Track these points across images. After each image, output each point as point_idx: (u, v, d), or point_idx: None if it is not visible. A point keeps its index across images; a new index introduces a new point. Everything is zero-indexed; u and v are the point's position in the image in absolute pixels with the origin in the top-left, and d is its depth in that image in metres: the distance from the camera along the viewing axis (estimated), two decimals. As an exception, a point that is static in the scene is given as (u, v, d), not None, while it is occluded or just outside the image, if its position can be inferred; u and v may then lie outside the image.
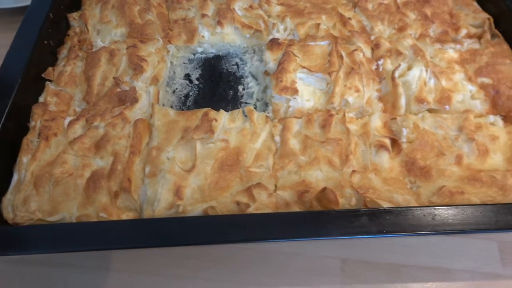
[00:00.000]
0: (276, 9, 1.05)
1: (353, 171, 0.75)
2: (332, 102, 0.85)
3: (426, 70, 0.88)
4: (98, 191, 0.74)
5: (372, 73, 0.90)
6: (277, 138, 0.81)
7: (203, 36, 1.01)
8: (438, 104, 0.85)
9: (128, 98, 0.86)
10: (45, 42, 0.95)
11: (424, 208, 0.65)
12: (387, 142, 0.79)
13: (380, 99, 0.88)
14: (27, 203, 0.72)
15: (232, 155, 0.78)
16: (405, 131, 0.81)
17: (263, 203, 0.71)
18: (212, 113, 0.83)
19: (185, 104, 0.95)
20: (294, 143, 0.80)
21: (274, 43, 0.95)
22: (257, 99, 0.94)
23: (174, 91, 0.97)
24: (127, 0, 1.04)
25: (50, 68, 0.93)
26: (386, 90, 0.88)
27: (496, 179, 0.74)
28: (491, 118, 0.84)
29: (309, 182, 0.74)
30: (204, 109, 0.84)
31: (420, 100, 0.84)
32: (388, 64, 0.91)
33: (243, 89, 0.97)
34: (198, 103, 0.94)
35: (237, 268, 0.77)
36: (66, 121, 0.84)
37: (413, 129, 0.80)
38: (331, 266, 0.76)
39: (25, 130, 0.83)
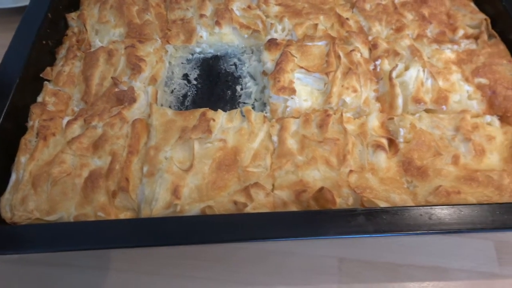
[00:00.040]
0: (274, 9, 1.05)
1: (350, 171, 0.75)
2: (329, 102, 0.85)
3: (423, 71, 0.88)
4: (96, 190, 0.74)
5: (369, 73, 0.90)
6: (275, 138, 0.81)
7: (201, 36, 1.02)
8: (435, 104, 0.85)
9: (126, 98, 0.87)
10: (44, 42, 0.96)
11: (421, 207, 0.65)
12: (384, 142, 0.80)
13: (378, 99, 0.88)
14: (25, 203, 0.73)
15: (230, 154, 0.78)
16: (402, 131, 0.81)
17: (260, 202, 0.72)
18: (210, 113, 0.83)
19: (183, 104, 0.95)
20: (291, 143, 0.80)
21: (272, 43, 0.95)
22: (255, 99, 0.95)
23: (172, 91, 0.97)
24: (125, 0, 1.04)
25: (48, 68, 0.94)
26: (384, 90, 0.89)
27: (493, 179, 0.74)
28: (488, 118, 0.84)
29: (307, 181, 0.74)
30: (202, 109, 0.84)
31: (417, 100, 0.85)
32: (385, 65, 0.92)
33: (241, 89, 0.97)
34: (196, 103, 0.95)
35: (235, 267, 0.77)
36: (64, 121, 0.85)
37: (410, 129, 0.81)
38: (328, 266, 0.77)
39: (23, 130, 0.84)
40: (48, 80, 0.92)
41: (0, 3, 1.17)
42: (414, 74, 0.88)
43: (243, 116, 0.84)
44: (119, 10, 1.03)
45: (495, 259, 0.78)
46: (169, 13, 1.06)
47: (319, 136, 0.80)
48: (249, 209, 0.70)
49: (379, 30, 1.00)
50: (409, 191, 0.75)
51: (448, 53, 0.94)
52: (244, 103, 0.94)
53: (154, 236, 0.65)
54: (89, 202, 0.73)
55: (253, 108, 0.90)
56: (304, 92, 0.88)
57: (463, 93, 0.88)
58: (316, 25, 0.99)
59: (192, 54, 1.04)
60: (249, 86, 0.97)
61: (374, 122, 0.83)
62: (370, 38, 0.98)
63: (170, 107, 0.93)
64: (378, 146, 0.78)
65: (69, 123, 0.83)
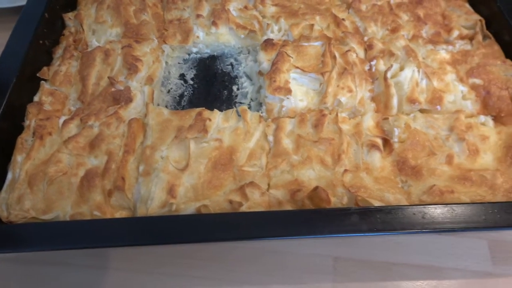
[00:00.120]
0: (271, 9, 1.06)
1: (345, 170, 0.76)
2: (325, 102, 0.85)
3: (418, 71, 0.89)
4: (92, 189, 0.74)
5: (365, 73, 0.91)
6: (270, 138, 0.82)
7: (198, 37, 1.02)
8: (429, 105, 0.86)
9: (122, 98, 0.87)
10: (41, 41, 0.96)
11: (414, 206, 0.66)
12: (379, 141, 0.80)
13: (373, 99, 0.89)
14: (21, 202, 0.73)
15: (226, 154, 0.78)
16: (396, 131, 0.82)
17: (255, 202, 0.72)
18: (206, 113, 0.84)
19: (180, 104, 0.95)
20: (287, 143, 0.81)
21: (268, 44, 0.95)
22: (251, 99, 0.95)
23: (169, 91, 0.97)
24: (122, 1, 1.04)
25: (45, 68, 0.94)
26: (379, 91, 0.89)
27: (486, 179, 0.75)
28: (482, 118, 0.85)
29: (302, 181, 0.75)
30: (198, 109, 0.85)
31: (412, 101, 0.85)
32: (380, 65, 0.92)
33: (238, 89, 0.98)
34: (193, 103, 0.95)
35: (231, 266, 0.77)
36: (61, 121, 0.85)
37: (404, 129, 0.81)
38: (323, 265, 0.77)
39: (19, 129, 0.84)
40: (45, 80, 0.93)
41: (-3, 3, 1.17)
42: (409, 75, 0.88)
43: (239, 116, 0.85)
44: (116, 10, 1.03)
45: (489, 258, 0.78)
46: (166, 13, 1.06)
47: (314, 136, 0.81)
48: (244, 208, 0.71)
49: (375, 30, 1.01)
50: (403, 190, 0.75)
51: (443, 53, 0.95)
52: (240, 103, 0.95)
53: (150, 235, 0.65)
54: (85, 201, 0.73)
55: (249, 108, 0.90)
56: (300, 92, 0.88)
57: (458, 93, 0.88)
58: (312, 25, 0.99)
59: (189, 54, 1.04)
60: (245, 86, 0.98)
61: (369, 122, 0.83)
62: (365, 38, 0.99)
63: (166, 106, 0.93)
64: (372, 146, 0.79)
65: (65, 122, 0.84)
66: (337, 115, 0.83)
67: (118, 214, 0.74)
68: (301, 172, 0.76)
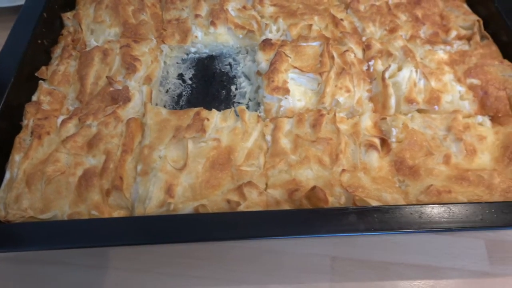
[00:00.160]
0: (269, 10, 1.06)
1: (343, 170, 0.76)
2: (323, 102, 0.86)
3: (416, 71, 0.89)
4: (90, 189, 0.74)
5: (363, 73, 0.91)
6: (268, 138, 0.82)
7: (196, 36, 1.02)
8: (427, 105, 0.86)
9: (121, 97, 0.87)
10: (39, 41, 0.96)
11: (411, 206, 0.66)
12: (377, 141, 0.80)
13: (371, 99, 0.89)
14: (19, 201, 0.73)
15: (224, 154, 0.78)
16: (394, 131, 0.82)
17: (253, 201, 0.72)
18: (204, 113, 0.84)
19: (178, 103, 0.95)
20: (285, 143, 0.81)
21: (266, 44, 0.95)
22: (249, 99, 0.95)
23: (167, 91, 0.97)
24: (121, 0, 1.04)
25: (43, 67, 0.94)
26: (377, 91, 0.89)
27: (483, 178, 0.75)
28: (479, 118, 0.85)
29: (300, 180, 0.75)
30: (196, 109, 0.85)
31: (410, 101, 0.85)
32: (378, 65, 0.92)
33: (236, 89, 0.98)
34: (191, 103, 0.95)
35: (229, 266, 0.78)
36: (59, 120, 0.85)
37: (402, 129, 0.81)
38: (321, 264, 0.77)
39: (17, 128, 0.84)
40: (43, 79, 0.93)
41: (-4, 2, 1.17)
42: (407, 75, 0.89)
43: (237, 115, 0.85)
44: (114, 10, 1.03)
45: (486, 257, 0.78)
46: (164, 13, 1.06)
47: (312, 135, 0.81)
48: (242, 208, 0.71)
49: (373, 31, 1.01)
50: (401, 190, 0.76)
51: (441, 54, 0.95)
52: (239, 102, 0.95)
53: (148, 234, 0.65)
54: (83, 200, 0.73)
55: (247, 107, 0.90)
56: (298, 92, 0.88)
57: (455, 94, 0.88)
58: (311, 25, 0.99)
59: (187, 54, 1.05)
60: (243, 86, 0.98)
61: (367, 122, 0.84)
62: (364, 38, 0.99)
63: (165, 106, 0.93)
64: (370, 146, 0.79)
65: (63, 122, 0.84)
66: (335, 115, 0.83)
67: (116, 214, 0.74)
68: (299, 172, 0.76)
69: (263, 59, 0.94)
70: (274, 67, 0.89)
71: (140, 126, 0.84)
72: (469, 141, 0.80)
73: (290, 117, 0.85)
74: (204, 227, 0.65)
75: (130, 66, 0.92)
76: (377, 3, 1.06)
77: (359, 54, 0.96)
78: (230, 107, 0.90)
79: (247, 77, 1.00)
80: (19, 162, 0.78)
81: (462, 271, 0.77)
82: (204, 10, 1.05)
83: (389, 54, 0.93)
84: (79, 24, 1.02)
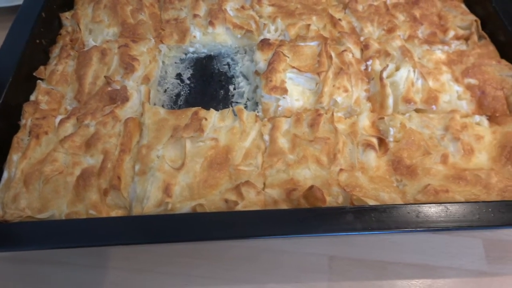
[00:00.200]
0: (268, 10, 1.06)
1: (341, 170, 0.76)
2: (321, 101, 0.86)
3: (414, 71, 0.89)
4: (88, 188, 0.74)
5: (360, 73, 0.91)
6: (266, 137, 0.82)
7: (194, 36, 1.02)
8: (425, 104, 0.86)
9: (119, 97, 0.87)
10: (37, 41, 0.96)
11: (408, 205, 0.66)
12: (374, 141, 0.80)
13: (369, 99, 0.89)
14: (17, 201, 0.73)
15: (222, 153, 0.78)
16: (392, 131, 0.82)
17: (251, 201, 0.72)
18: (202, 112, 0.84)
19: (177, 103, 0.95)
20: (283, 142, 0.81)
21: (264, 44, 0.96)
22: (247, 99, 0.95)
23: (165, 91, 0.98)
24: (119, 0, 1.04)
25: (41, 67, 0.94)
26: (374, 90, 0.89)
27: (481, 178, 0.75)
28: (477, 118, 0.85)
29: (297, 180, 0.75)
30: (194, 108, 0.85)
31: (408, 100, 0.86)
32: (376, 65, 0.92)
33: (234, 88, 0.98)
34: (189, 103, 0.95)
35: (228, 265, 0.78)
36: (57, 120, 0.85)
37: (400, 129, 0.82)
38: (318, 263, 0.78)
39: (15, 128, 0.84)
40: (41, 79, 0.93)
41: (-6, 2, 1.17)
42: (405, 75, 0.89)
43: (235, 115, 0.85)
44: (113, 9, 1.03)
45: (484, 257, 0.79)
46: (163, 13, 1.06)
47: (310, 135, 0.81)
48: (240, 207, 0.71)
49: (371, 31, 1.01)
50: (398, 189, 0.76)
51: (439, 53, 0.95)
52: (237, 102, 0.95)
53: (146, 234, 0.65)
54: (81, 200, 0.73)
55: (245, 107, 0.90)
56: (296, 91, 0.89)
57: (453, 93, 0.89)
58: (309, 25, 0.99)
59: (186, 54, 1.05)
60: (242, 86, 0.98)
61: (364, 121, 0.84)
62: (362, 38, 0.99)
63: (163, 106, 0.93)
64: (368, 145, 0.79)
65: (61, 121, 0.84)
66: (332, 114, 0.83)
67: (114, 213, 0.74)
68: (297, 171, 0.76)
69: (261, 59, 0.94)
70: (272, 66, 0.89)
71: (138, 125, 0.84)
72: (466, 140, 0.80)
73: (288, 117, 0.85)
74: (202, 226, 0.65)
75: (128, 65, 0.92)
76: (375, 3, 1.07)
77: (357, 54, 0.96)
78: (228, 107, 0.90)
79: (245, 77, 1.00)
80: (17, 162, 0.78)
81: (459, 270, 0.77)
82: (202, 10, 1.05)
83: (387, 54, 0.93)
84: (77, 24, 1.03)
